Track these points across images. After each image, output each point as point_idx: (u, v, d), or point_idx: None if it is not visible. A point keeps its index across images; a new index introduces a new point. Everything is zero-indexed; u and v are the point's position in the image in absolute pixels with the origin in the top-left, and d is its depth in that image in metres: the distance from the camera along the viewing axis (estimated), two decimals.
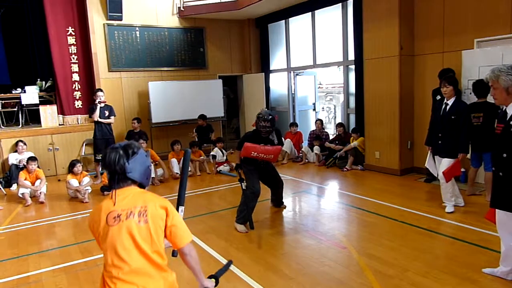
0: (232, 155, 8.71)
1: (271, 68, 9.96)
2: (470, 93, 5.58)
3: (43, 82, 8.54)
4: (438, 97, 5.67)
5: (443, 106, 4.58)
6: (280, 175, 5.06)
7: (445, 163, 4.54)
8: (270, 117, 4.41)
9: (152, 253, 1.77)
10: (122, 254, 1.73)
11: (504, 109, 2.89)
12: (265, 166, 4.75)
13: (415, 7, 6.40)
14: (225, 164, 7.71)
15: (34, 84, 8.44)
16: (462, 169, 5.42)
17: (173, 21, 9.22)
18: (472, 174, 5.24)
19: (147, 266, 1.77)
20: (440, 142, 4.59)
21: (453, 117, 4.45)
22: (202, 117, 8.58)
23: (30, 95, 8.02)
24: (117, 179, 1.82)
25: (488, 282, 3.08)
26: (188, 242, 1.87)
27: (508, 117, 2.81)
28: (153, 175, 6.87)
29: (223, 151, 7.90)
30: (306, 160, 8.11)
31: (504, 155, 2.79)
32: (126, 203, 1.79)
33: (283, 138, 8.35)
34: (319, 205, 5.52)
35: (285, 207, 5.23)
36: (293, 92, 9.58)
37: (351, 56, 7.69)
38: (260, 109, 4.70)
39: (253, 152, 4.36)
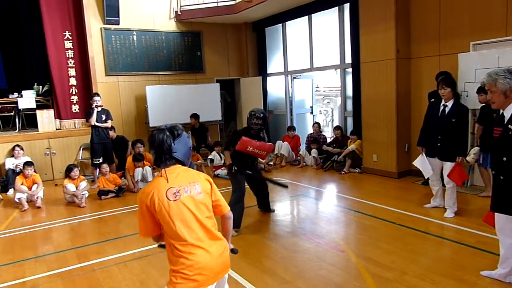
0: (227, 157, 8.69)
1: (268, 72, 9.97)
2: (467, 96, 5.62)
3: (40, 87, 8.54)
4: (432, 100, 5.71)
5: (442, 108, 4.53)
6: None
7: (449, 167, 4.51)
8: (262, 115, 4.44)
9: (210, 220, 2.02)
10: (189, 224, 1.93)
11: (501, 112, 2.90)
12: (251, 165, 4.73)
13: (411, 11, 6.43)
14: (223, 168, 7.70)
15: (31, 88, 8.43)
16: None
17: (170, 25, 9.23)
18: (486, 175, 5.20)
19: (208, 231, 1.99)
20: (439, 144, 4.54)
21: (453, 120, 4.41)
22: (194, 116, 8.44)
23: (27, 99, 8.01)
24: (164, 158, 1.99)
25: (486, 284, 3.07)
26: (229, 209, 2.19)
27: (506, 120, 2.81)
28: (150, 178, 6.85)
29: (221, 154, 7.89)
30: (304, 163, 8.12)
31: (504, 158, 2.79)
32: (180, 179, 1.98)
33: (281, 141, 8.47)
34: (317, 208, 5.52)
35: (273, 211, 5.21)
36: (290, 95, 9.59)
37: (348, 59, 7.71)
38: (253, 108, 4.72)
39: (249, 147, 4.36)
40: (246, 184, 4.70)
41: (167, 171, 1.98)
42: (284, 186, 5.05)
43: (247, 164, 4.63)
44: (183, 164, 2.05)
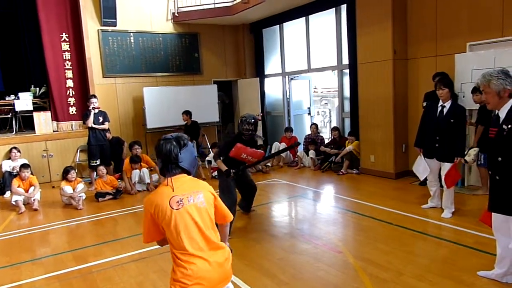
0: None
1: (265, 73, 9.98)
2: (463, 96, 5.63)
3: (37, 89, 8.50)
4: (425, 103, 5.74)
5: (440, 109, 4.54)
6: (254, 181, 5.05)
7: (447, 167, 4.52)
8: (253, 120, 4.49)
9: (212, 229, 2.03)
10: (190, 233, 1.95)
11: (496, 113, 2.91)
12: (242, 172, 4.76)
13: (408, 12, 6.45)
14: None
15: (28, 90, 8.40)
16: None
17: (168, 27, 9.23)
18: (485, 174, 5.22)
19: (209, 241, 2.00)
20: (437, 145, 4.55)
21: (452, 120, 4.42)
22: (186, 112, 8.27)
23: (24, 101, 7.98)
24: (170, 167, 2.02)
25: (483, 284, 3.08)
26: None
27: (501, 120, 2.83)
28: (148, 180, 6.85)
29: None
30: (302, 165, 8.12)
31: (499, 158, 2.80)
32: (184, 188, 2.00)
33: (277, 143, 8.48)
34: (314, 209, 5.52)
35: (253, 211, 5.28)
36: (288, 96, 9.59)
37: (345, 60, 7.72)
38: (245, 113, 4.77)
39: (243, 154, 4.40)
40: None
41: (172, 179, 2.00)
42: (293, 145, 5.23)
43: (239, 169, 4.66)
44: (188, 173, 2.08)
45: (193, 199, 1.99)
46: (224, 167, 4.47)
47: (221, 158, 4.54)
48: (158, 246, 3.93)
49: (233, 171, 4.46)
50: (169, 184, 1.98)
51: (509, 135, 2.73)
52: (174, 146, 2.00)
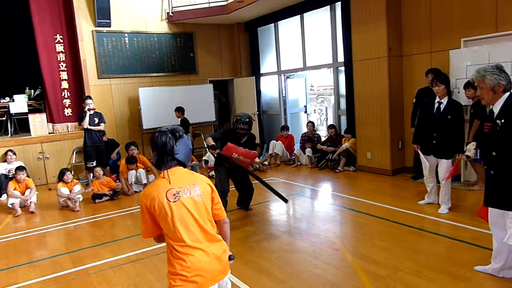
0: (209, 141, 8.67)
1: (261, 72, 9.96)
2: (458, 92, 5.65)
3: (32, 91, 8.46)
4: (414, 100, 5.76)
5: (436, 105, 4.54)
6: (261, 179, 5.01)
7: (445, 164, 4.54)
8: (247, 119, 4.68)
9: (208, 222, 2.03)
10: (187, 225, 1.95)
11: (490, 108, 2.92)
12: (235, 169, 4.77)
13: (402, 9, 6.46)
14: None
15: (23, 92, 8.35)
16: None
17: (162, 27, 9.21)
18: (480, 170, 5.23)
19: (207, 233, 2.01)
20: (435, 142, 4.55)
21: (449, 116, 4.43)
22: (178, 109, 8.22)
23: (19, 103, 7.94)
24: (166, 160, 2.01)
25: (480, 279, 3.09)
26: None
27: (495, 115, 2.84)
28: (144, 181, 6.83)
29: (215, 155, 7.86)
30: (299, 163, 8.12)
31: (493, 153, 2.81)
32: (181, 181, 2.00)
33: (274, 141, 8.47)
34: (312, 207, 5.52)
35: (250, 209, 5.31)
36: (284, 95, 9.60)
37: (341, 58, 7.72)
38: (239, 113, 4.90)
39: (234, 154, 4.49)
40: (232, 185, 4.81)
41: (169, 172, 2.00)
42: (284, 200, 4.84)
43: (230, 168, 4.69)
44: (184, 165, 2.08)
45: (190, 191, 1.98)
46: (211, 142, 4.58)
47: (213, 137, 4.68)
48: (155, 247, 3.96)
49: (219, 152, 4.58)
50: (166, 176, 1.98)
51: (502, 130, 2.75)
52: (169, 138, 2.00)
